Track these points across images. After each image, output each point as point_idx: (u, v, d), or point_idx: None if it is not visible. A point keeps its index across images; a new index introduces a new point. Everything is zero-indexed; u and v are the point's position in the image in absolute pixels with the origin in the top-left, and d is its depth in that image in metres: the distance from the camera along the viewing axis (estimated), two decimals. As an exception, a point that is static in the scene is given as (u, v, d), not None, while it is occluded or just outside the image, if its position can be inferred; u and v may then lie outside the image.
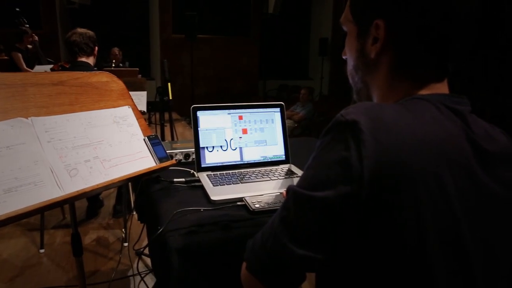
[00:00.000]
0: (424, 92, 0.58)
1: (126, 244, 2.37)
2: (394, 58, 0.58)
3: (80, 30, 2.30)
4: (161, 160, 1.16)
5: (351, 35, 0.64)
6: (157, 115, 2.56)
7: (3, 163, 0.84)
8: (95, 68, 2.37)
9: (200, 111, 1.29)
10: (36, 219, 2.72)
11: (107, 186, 0.99)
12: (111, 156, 1.06)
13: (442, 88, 0.58)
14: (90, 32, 2.32)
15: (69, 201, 0.98)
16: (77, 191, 0.92)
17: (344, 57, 0.67)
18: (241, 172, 1.25)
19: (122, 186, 2.70)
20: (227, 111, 1.32)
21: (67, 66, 2.34)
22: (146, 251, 2.19)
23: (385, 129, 0.49)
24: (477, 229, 0.52)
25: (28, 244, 2.38)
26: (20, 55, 4.86)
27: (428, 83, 0.58)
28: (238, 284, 0.81)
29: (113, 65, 5.73)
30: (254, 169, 1.28)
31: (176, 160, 1.32)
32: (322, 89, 8.22)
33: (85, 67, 2.28)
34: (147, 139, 1.17)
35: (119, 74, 1.28)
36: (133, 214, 2.81)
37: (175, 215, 0.93)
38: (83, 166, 0.98)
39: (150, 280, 2.02)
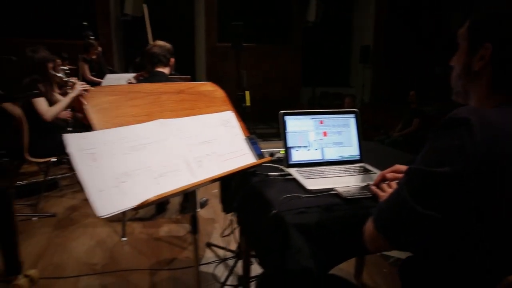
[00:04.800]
0: None
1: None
2: (494, 74, 0.76)
3: (159, 42, 2.59)
4: (259, 156, 1.38)
5: (462, 49, 0.83)
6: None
7: (154, 154, 1.08)
8: (174, 77, 2.64)
9: (287, 116, 1.49)
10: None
11: (222, 177, 1.21)
12: (222, 152, 1.28)
13: None
14: (168, 45, 2.60)
15: (198, 187, 1.20)
16: (205, 179, 1.14)
17: (451, 64, 0.86)
18: (324, 168, 1.44)
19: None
20: (310, 116, 1.52)
21: (147, 76, 2.63)
22: (216, 243, 2.42)
23: (490, 125, 0.67)
24: None
25: (111, 233, 2.67)
26: (86, 65, 5.30)
27: None
28: (342, 253, 1.01)
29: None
30: (333, 167, 1.47)
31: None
32: (364, 96, 8.29)
33: (162, 76, 2.56)
34: (247, 138, 1.38)
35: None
36: (198, 210, 3.06)
37: (284, 199, 1.13)
38: (205, 159, 1.21)
39: (222, 268, 2.25)
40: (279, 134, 1.46)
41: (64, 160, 3.54)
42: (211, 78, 7.58)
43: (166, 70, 2.59)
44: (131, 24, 8.72)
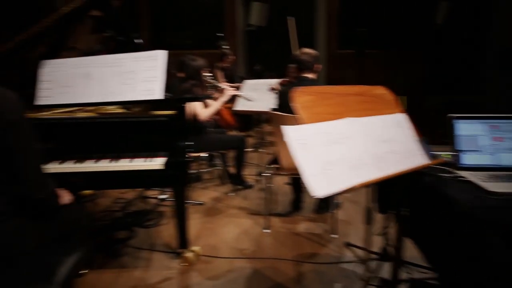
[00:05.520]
0: None
1: (334, 236, 2.71)
2: None
3: (306, 50, 2.78)
4: (431, 158, 1.42)
5: None
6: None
7: (348, 147, 1.21)
8: (317, 83, 2.80)
9: (457, 120, 1.51)
10: (254, 205, 3.31)
11: (399, 175, 1.29)
12: (400, 151, 1.36)
13: None
14: (314, 52, 2.78)
15: (378, 182, 1.30)
16: (389, 174, 1.23)
17: None
18: (501, 173, 1.42)
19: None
20: (481, 120, 1.51)
21: (294, 81, 2.84)
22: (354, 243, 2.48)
23: None
24: None
25: (254, 224, 2.93)
26: (221, 72, 5.84)
27: None
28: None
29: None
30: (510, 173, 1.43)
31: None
32: (499, 104, 7.49)
33: (308, 81, 2.74)
34: (420, 140, 1.44)
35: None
36: (333, 211, 3.17)
37: (474, 198, 1.17)
38: (386, 156, 1.30)
39: (363, 268, 2.31)
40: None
41: (210, 156, 3.96)
42: (331, 85, 7.65)
43: (312, 76, 2.76)
44: (254, 34, 9.30)
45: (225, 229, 2.87)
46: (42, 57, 2.33)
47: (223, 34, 5.93)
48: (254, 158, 4.47)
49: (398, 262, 1.83)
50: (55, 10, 2.29)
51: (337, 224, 2.79)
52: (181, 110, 1.88)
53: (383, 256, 2.30)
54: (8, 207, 1.26)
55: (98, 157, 1.90)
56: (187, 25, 8.35)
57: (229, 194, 3.59)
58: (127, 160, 1.86)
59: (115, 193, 3.49)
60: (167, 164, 1.76)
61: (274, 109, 2.78)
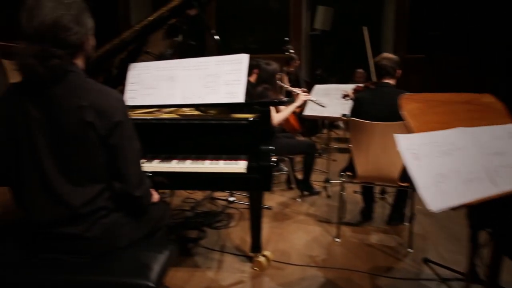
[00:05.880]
0: None
1: (410, 250, 2.57)
2: None
3: (387, 55, 2.67)
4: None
5: None
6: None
7: (460, 160, 1.12)
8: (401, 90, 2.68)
9: None
10: (322, 212, 3.24)
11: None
12: (513, 165, 1.24)
13: None
14: (396, 57, 2.66)
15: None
16: (506, 191, 1.12)
17: None
18: None
19: (402, 195, 2.94)
20: None
21: (373, 87, 2.74)
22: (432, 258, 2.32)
23: None
24: None
25: (324, 232, 2.86)
26: (286, 77, 5.82)
27: None
28: None
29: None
30: None
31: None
32: None
33: (389, 87, 2.62)
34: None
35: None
36: (406, 224, 3.01)
37: None
38: (500, 170, 1.19)
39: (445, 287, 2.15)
40: None
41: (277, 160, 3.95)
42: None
43: (392, 81, 2.65)
44: (318, 38, 9.19)
45: (295, 235, 2.83)
46: (124, 62, 2.47)
47: (288, 38, 5.89)
48: (318, 164, 4.39)
49: (493, 285, 1.68)
50: (129, 23, 2.44)
51: (412, 238, 2.63)
52: (266, 114, 1.88)
53: (471, 277, 2.13)
54: (109, 202, 1.32)
55: (181, 158, 1.94)
56: (252, 30, 8.46)
57: (296, 199, 3.54)
58: (210, 161, 1.88)
59: (185, 192, 3.59)
60: (250, 168, 1.75)
61: (351, 116, 2.69)
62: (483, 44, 7.50)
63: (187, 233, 2.78)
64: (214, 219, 3.03)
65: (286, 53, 5.94)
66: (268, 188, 1.80)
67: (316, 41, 9.40)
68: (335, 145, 5.61)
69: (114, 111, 1.25)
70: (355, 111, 2.67)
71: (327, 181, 3.88)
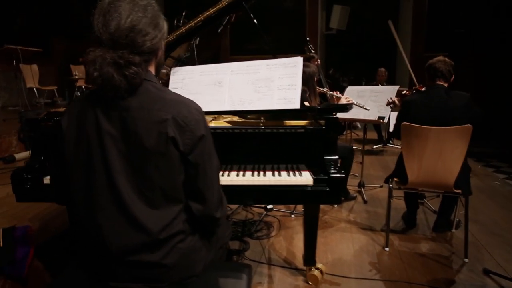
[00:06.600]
0: None
1: (466, 260, 2.44)
2: None
3: (442, 58, 2.55)
4: None
5: None
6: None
7: None
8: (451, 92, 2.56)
9: None
10: (362, 219, 3.12)
11: None
12: None
13: None
14: (451, 61, 2.54)
15: None
16: None
17: None
18: None
19: (451, 201, 2.81)
20: None
21: (423, 90, 2.62)
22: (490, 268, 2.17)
23: None
24: None
25: (370, 241, 2.74)
26: (307, 76, 5.70)
27: None
28: None
29: (379, 84, 6.05)
30: None
31: None
32: None
33: (442, 89, 2.50)
34: None
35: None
36: (453, 231, 2.88)
37: None
38: None
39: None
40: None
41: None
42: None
43: (446, 84, 2.53)
44: (333, 37, 9.07)
45: (341, 245, 2.70)
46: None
47: (308, 38, 5.76)
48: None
49: None
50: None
51: (466, 246, 2.50)
52: (333, 121, 1.74)
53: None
54: (186, 225, 1.20)
55: (239, 169, 1.81)
56: (267, 29, 8.34)
57: (333, 206, 3.42)
58: (272, 173, 1.75)
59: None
60: (317, 179, 1.63)
61: (400, 120, 2.57)
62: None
63: (229, 244, 2.66)
64: (254, 228, 2.92)
65: (308, 53, 5.82)
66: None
67: (331, 41, 9.28)
68: (356, 146, 5.47)
69: (197, 125, 1.13)
70: (404, 116, 2.53)
71: (361, 185, 3.76)
